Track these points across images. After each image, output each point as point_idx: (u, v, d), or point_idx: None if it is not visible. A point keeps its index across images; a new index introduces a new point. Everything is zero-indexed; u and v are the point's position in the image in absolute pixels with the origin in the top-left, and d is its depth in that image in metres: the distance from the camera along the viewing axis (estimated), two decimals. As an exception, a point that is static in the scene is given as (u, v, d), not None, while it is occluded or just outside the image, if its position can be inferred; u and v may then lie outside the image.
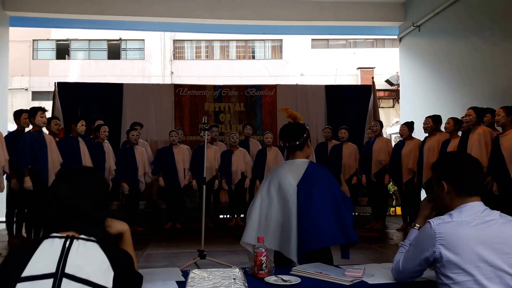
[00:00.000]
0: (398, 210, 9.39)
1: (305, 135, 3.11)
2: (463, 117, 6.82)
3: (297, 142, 3.06)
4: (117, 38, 22.52)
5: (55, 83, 10.01)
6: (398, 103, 15.14)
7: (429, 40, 10.09)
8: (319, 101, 10.62)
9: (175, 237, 7.51)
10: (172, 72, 22.21)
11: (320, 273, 2.36)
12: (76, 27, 14.71)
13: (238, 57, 23.57)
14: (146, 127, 9.32)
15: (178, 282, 2.25)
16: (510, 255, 1.89)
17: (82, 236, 1.67)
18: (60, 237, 1.65)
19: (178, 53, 23.24)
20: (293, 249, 2.86)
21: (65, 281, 1.56)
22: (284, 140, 3.11)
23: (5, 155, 6.02)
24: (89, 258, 1.62)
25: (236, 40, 23.11)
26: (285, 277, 2.30)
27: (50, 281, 1.55)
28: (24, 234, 6.67)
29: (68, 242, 1.63)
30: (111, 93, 10.15)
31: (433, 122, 7.37)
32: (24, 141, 6.28)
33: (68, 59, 23.07)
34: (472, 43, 8.51)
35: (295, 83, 13.18)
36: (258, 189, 3.17)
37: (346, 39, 22.90)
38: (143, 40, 22.78)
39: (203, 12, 10.44)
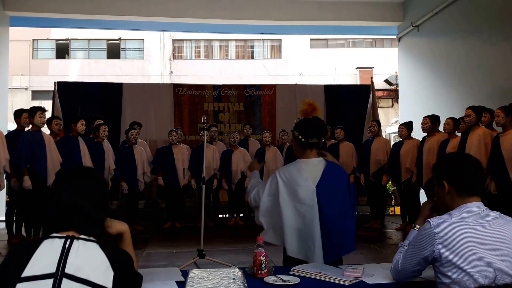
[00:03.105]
0: (397, 210, 9.40)
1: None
2: (461, 117, 6.82)
3: (323, 140, 2.89)
4: (117, 37, 22.49)
5: (54, 82, 10.02)
6: (397, 102, 15.16)
7: (428, 40, 10.10)
8: (318, 100, 10.44)
9: (175, 237, 7.51)
10: (171, 72, 22.20)
11: (319, 273, 2.36)
12: (76, 27, 14.74)
13: (237, 57, 23.56)
14: (145, 127, 9.32)
15: (177, 282, 2.26)
16: (509, 255, 1.90)
17: (82, 236, 1.68)
18: (60, 237, 1.66)
19: (177, 52, 23.22)
20: (319, 256, 2.70)
21: (65, 281, 1.56)
22: (318, 136, 2.83)
23: (5, 155, 6.04)
24: (89, 258, 1.62)
25: (235, 40, 23.10)
26: (285, 277, 2.31)
27: (50, 281, 1.56)
28: (23, 234, 6.68)
29: (68, 242, 1.64)
30: (111, 93, 10.16)
31: (431, 122, 7.38)
32: (23, 141, 6.29)
33: (68, 58, 23.06)
34: (470, 44, 8.52)
35: (294, 83, 13.20)
36: (266, 188, 2.87)
37: (345, 39, 22.89)
38: (143, 39, 22.76)
39: (202, 12, 10.45)
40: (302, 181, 2.75)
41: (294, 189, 2.75)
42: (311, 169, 2.79)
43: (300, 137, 2.82)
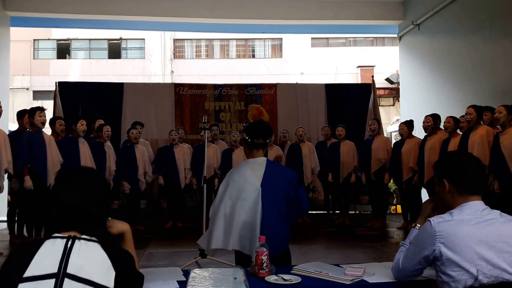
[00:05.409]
0: (399, 209, 9.39)
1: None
2: (462, 116, 6.81)
3: (268, 141, 3.11)
4: (118, 37, 22.53)
5: (55, 82, 10.04)
6: (399, 101, 15.14)
7: (429, 38, 10.09)
8: (319, 99, 10.64)
9: (176, 236, 7.51)
10: (172, 71, 22.22)
11: (321, 272, 2.36)
12: (77, 27, 14.74)
13: (238, 56, 23.56)
14: (146, 126, 9.33)
15: (179, 282, 2.26)
16: (510, 254, 1.90)
17: (83, 236, 1.68)
18: (62, 237, 1.66)
19: (178, 52, 23.23)
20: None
21: (67, 281, 1.56)
22: (263, 138, 3.08)
23: (8, 157, 6.04)
24: (90, 258, 1.63)
25: (236, 39, 23.11)
26: (286, 276, 2.31)
27: (52, 281, 1.56)
28: (25, 234, 6.68)
29: (70, 242, 1.64)
30: (112, 93, 10.18)
31: (433, 121, 7.37)
32: (22, 141, 6.29)
33: (69, 58, 23.09)
34: (471, 42, 8.51)
35: (295, 82, 13.23)
36: (219, 190, 3.11)
37: (346, 38, 22.89)
38: (144, 39, 22.78)
39: (203, 12, 10.45)
40: (251, 179, 2.98)
41: (242, 186, 2.96)
42: (257, 167, 3.03)
43: (247, 138, 3.07)
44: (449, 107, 8.33)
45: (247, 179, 2.98)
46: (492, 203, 2.13)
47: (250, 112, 3.30)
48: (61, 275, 1.57)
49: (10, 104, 11.08)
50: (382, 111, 14.80)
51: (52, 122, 7.02)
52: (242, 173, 3.02)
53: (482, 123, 6.35)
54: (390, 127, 17.35)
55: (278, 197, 2.98)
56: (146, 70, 22.23)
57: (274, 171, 3.05)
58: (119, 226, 1.95)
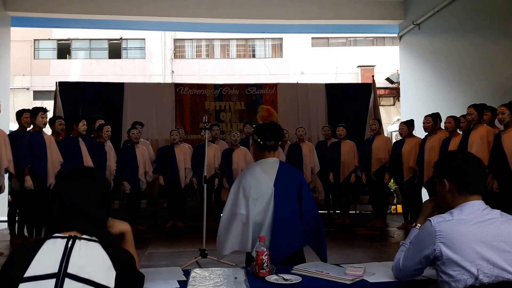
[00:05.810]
0: (399, 208, 9.39)
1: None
2: (462, 116, 6.81)
3: (280, 142, 3.12)
4: (118, 37, 22.54)
5: (56, 82, 10.04)
6: (399, 101, 15.14)
7: (429, 38, 10.09)
8: (319, 99, 10.64)
9: (177, 236, 7.51)
10: (172, 71, 22.22)
11: (321, 272, 2.37)
12: (77, 27, 14.75)
13: (239, 56, 23.56)
14: (147, 126, 9.33)
15: (179, 282, 2.26)
16: (510, 253, 1.90)
17: (84, 236, 1.68)
18: (62, 237, 1.66)
19: (178, 52, 23.23)
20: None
21: (67, 281, 1.56)
22: (275, 139, 3.09)
23: (8, 156, 6.04)
24: (91, 258, 1.63)
25: (237, 39, 23.11)
26: (286, 276, 2.31)
27: (52, 281, 1.56)
28: (26, 234, 6.68)
29: (70, 242, 1.64)
30: (112, 92, 10.18)
31: (433, 121, 7.37)
32: (23, 141, 6.29)
33: (69, 58, 23.10)
34: (471, 41, 8.52)
35: (295, 82, 13.21)
36: (230, 192, 3.10)
37: (346, 38, 22.88)
38: (144, 39, 22.79)
39: (203, 11, 10.46)
40: (263, 179, 2.99)
41: (256, 186, 2.96)
42: (269, 167, 3.04)
43: (259, 140, 3.06)
44: (449, 107, 8.33)
45: (260, 179, 2.97)
46: (492, 203, 2.13)
47: (260, 113, 3.30)
48: (61, 275, 1.57)
49: (10, 104, 11.09)
50: (382, 110, 14.81)
51: (52, 122, 7.03)
52: (254, 173, 3.02)
53: (482, 121, 6.34)
54: (391, 127, 17.35)
55: (292, 197, 2.98)
56: (146, 70, 22.23)
57: (287, 171, 3.05)
58: (120, 226, 1.96)
